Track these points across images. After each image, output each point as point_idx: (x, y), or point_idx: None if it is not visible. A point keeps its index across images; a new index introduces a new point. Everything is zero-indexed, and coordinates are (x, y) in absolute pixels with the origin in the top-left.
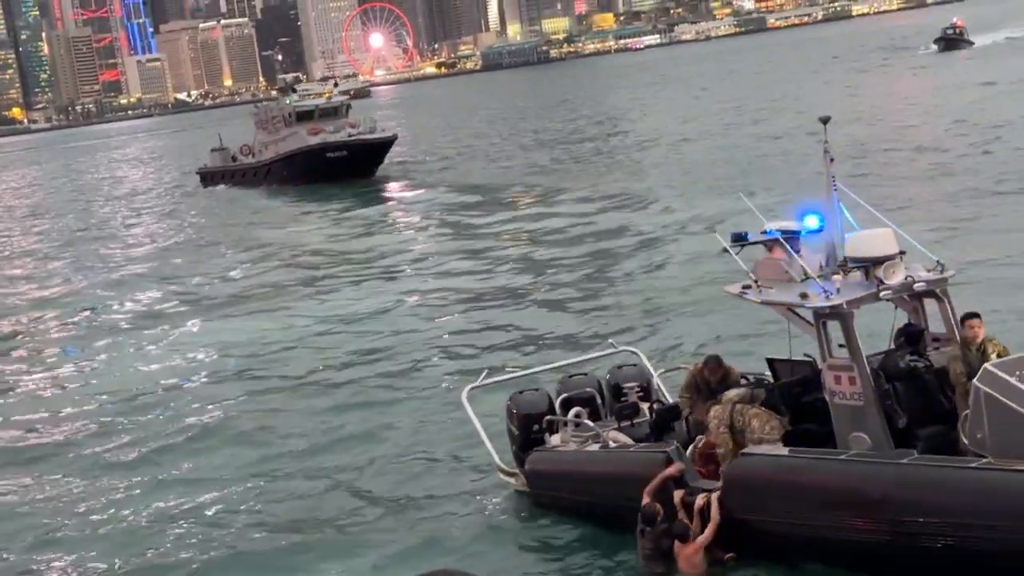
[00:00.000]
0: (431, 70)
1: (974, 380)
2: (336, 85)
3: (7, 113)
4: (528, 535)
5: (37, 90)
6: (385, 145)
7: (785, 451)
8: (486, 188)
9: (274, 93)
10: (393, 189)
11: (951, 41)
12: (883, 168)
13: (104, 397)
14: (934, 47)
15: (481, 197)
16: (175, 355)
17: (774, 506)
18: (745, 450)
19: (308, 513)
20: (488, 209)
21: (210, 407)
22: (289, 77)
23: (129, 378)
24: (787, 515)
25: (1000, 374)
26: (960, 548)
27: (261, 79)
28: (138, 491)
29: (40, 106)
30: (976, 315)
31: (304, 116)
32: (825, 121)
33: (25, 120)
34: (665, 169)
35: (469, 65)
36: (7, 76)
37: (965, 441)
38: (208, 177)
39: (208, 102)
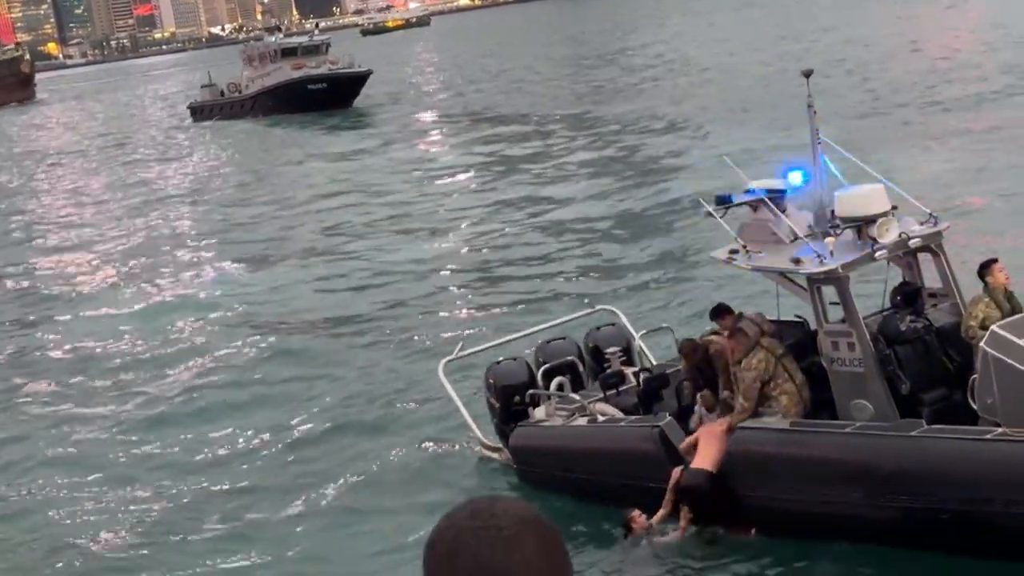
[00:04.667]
0: (465, 2)
1: (981, 343)
2: (317, 26)
3: (42, 48)
4: None
5: (72, 25)
6: (362, 79)
7: (787, 423)
8: (489, 130)
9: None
10: (403, 123)
11: None
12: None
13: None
14: None
15: (483, 140)
16: (149, 308)
17: (779, 481)
18: (746, 424)
19: (284, 489)
20: (485, 156)
21: (169, 373)
22: (274, 21)
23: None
24: (793, 491)
25: (1008, 336)
26: (977, 523)
27: (295, 12)
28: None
29: (75, 41)
30: (996, 260)
31: (288, 53)
32: (807, 75)
33: (60, 55)
34: (692, 101)
35: None
36: (41, 11)
37: (974, 406)
38: (198, 111)
39: (242, 36)
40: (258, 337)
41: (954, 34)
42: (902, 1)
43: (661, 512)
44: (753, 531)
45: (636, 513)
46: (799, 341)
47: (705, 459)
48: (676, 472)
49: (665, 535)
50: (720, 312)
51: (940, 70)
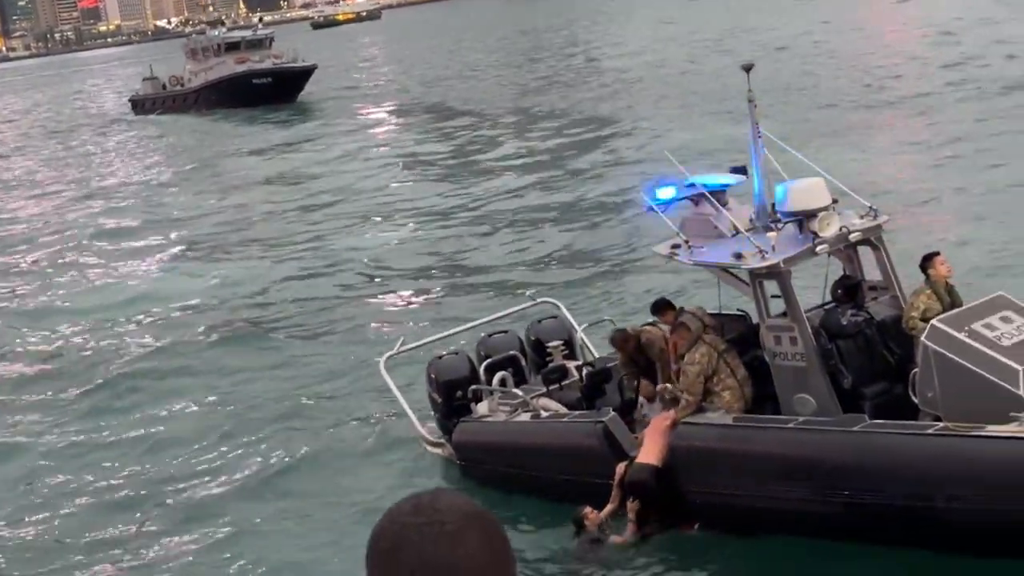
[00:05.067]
0: None
1: (922, 337)
2: (260, 20)
3: None
4: None
5: (16, 17)
6: (306, 73)
7: (730, 419)
8: (435, 124)
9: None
10: (346, 116)
11: None
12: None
13: None
14: None
15: (428, 134)
16: (87, 301)
17: (720, 478)
18: (689, 419)
19: (222, 483)
20: (432, 147)
21: (103, 366)
22: (217, 14)
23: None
24: (736, 486)
25: (947, 330)
26: (919, 517)
27: (243, 6)
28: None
29: (18, 34)
30: (938, 253)
31: (232, 47)
32: (748, 69)
33: (3, 48)
34: (638, 96)
35: None
36: None
37: (915, 399)
38: (140, 105)
39: (188, 29)
40: (195, 330)
41: (898, 30)
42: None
43: (608, 508)
44: (697, 526)
45: (588, 510)
46: (741, 335)
47: (649, 454)
48: (621, 468)
49: (612, 531)
50: (661, 307)
51: (884, 66)
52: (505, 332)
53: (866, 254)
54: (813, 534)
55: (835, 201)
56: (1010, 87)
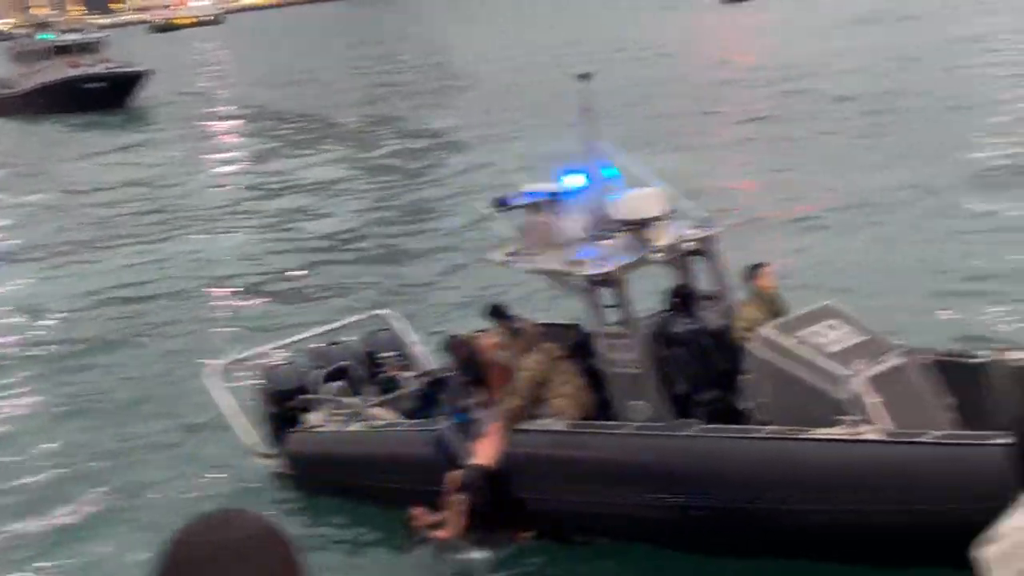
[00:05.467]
0: (253, 0)
1: (752, 344)
2: (95, 25)
3: None
4: (289, 520)
5: None
6: (139, 77)
7: (563, 425)
8: (275, 130)
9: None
10: (178, 122)
11: None
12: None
13: None
14: None
15: (267, 139)
16: None
17: (554, 484)
18: (524, 426)
19: (36, 497)
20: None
21: None
22: (41, 14)
23: None
24: (571, 492)
25: (777, 337)
26: (752, 520)
27: (68, 7)
28: None
29: None
30: (765, 263)
31: (62, 50)
32: (585, 77)
33: None
34: (480, 104)
35: None
36: None
37: (746, 405)
38: None
39: (16, 31)
40: (19, 337)
41: (730, 37)
42: (691, 8)
43: (440, 513)
44: (530, 533)
45: (419, 511)
46: (577, 344)
47: (482, 458)
48: (455, 475)
49: (444, 536)
50: (495, 314)
51: (723, 76)
52: (339, 343)
53: (700, 264)
54: (647, 539)
55: (670, 211)
56: (842, 97)
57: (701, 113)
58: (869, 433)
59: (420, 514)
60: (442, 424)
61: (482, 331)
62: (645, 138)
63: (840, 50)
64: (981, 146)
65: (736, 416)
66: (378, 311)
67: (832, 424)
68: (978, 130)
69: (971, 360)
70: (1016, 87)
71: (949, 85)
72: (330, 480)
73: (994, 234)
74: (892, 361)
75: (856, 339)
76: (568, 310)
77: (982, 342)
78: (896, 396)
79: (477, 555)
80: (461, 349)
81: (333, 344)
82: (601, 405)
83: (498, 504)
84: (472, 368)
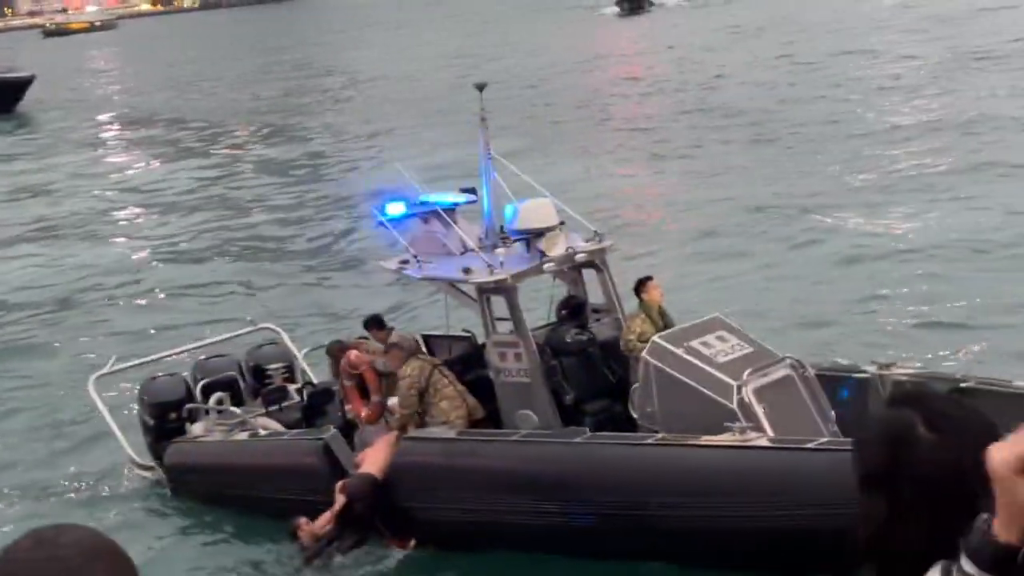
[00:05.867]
0: (146, 7)
1: (643, 353)
2: None
3: None
4: (169, 533)
5: None
6: (26, 83)
7: (452, 433)
8: (167, 138)
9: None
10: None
11: (634, 4)
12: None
13: None
14: (615, 9)
15: (159, 148)
16: None
17: (443, 492)
18: (411, 434)
19: None
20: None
21: None
22: None
23: None
24: (459, 500)
25: (667, 346)
26: (639, 525)
27: None
28: None
29: None
30: (651, 277)
31: None
32: (481, 88)
33: None
34: (376, 112)
35: (187, 3)
36: None
37: (635, 414)
38: None
39: None
40: None
41: (625, 49)
42: (589, 18)
43: (325, 519)
44: (413, 542)
45: (303, 521)
46: (467, 354)
47: (370, 466)
48: (340, 484)
49: (329, 545)
50: (373, 324)
51: (617, 88)
52: (223, 356)
53: (590, 276)
54: (535, 547)
55: (562, 223)
56: (734, 112)
57: (594, 123)
58: (756, 440)
59: (305, 524)
60: (327, 433)
61: (363, 339)
62: (539, 148)
63: (732, 62)
64: (861, 161)
65: (624, 425)
66: (265, 325)
67: (721, 431)
68: (859, 145)
69: (856, 375)
70: (901, 103)
71: (835, 99)
72: (213, 490)
73: (874, 249)
74: (778, 373)
75: (744, 351)
76: (462, 319)
77: (865, 357)
78: (780, 407)
79: (360, 567)
80: (343, 353)
81: (218, 356)
82: (491, 414)
83: (385, 513)
84: (353, 375)
